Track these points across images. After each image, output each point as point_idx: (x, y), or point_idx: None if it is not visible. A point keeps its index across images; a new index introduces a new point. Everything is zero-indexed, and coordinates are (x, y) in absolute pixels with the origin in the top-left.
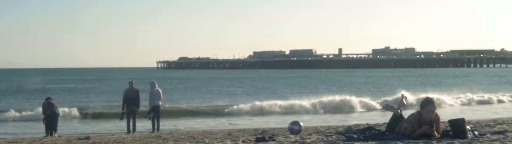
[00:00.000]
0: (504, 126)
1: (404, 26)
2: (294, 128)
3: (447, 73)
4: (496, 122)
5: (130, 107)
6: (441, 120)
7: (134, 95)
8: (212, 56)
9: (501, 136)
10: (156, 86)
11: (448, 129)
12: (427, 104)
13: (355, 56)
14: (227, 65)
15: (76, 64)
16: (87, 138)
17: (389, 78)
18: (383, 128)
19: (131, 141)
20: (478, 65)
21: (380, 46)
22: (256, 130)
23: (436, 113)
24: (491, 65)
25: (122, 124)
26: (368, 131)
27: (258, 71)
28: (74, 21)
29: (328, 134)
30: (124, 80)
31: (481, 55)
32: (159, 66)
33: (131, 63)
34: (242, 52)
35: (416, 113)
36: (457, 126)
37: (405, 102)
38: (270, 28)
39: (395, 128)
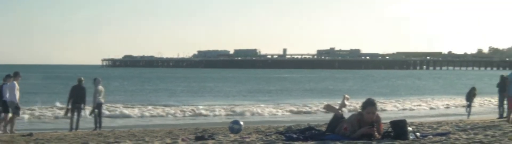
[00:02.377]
0: (447, 128)
1: (349, 27)
2: (234, 127)
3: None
4: (439, 124)
5: (75, 104)
6: (382, 121)
7: (81, 92)
8: (156, 54)
9: (444, 138)
10: (100, 83)
11: (389, 130)
12: (369, 105)
13: (299, 56)
14: (171, 64)
15: (17, 61)
16: (30, 134)
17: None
18: (323, 129)
19: (73, 138)
20: (424, 67)
21: (325, 47)
22: (197, 129)
23: (377, 114)
24: (437, 68)
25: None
26: (308, 131)
27: (201, 70)
28: (14, 17)
29: (267, 134)
30: (66, 77)
31: (428, 58)
32: (104, 64)
33: (75, 61)
34: (187, 51)
35: (357, 113)
36: (399, 127)
37: (346, 103)
38: (216, 28)
39: (335, 129)
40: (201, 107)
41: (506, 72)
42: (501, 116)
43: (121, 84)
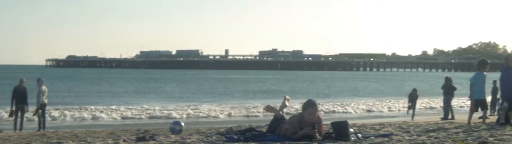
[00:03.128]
0: (390, 129)
1: (292, 28)
2: (175, 128)
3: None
4: (382, 125)
5: (18, 104)
6: (323, 122)
7: (23, 93)
8: (100, 55)
9: (386, 139)
10: (44, 84)
11: (330, 131)
12: (309, 106)
13: (242, 57)
14: (114, 64)
15: None
16: None
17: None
18: (264, 130)
19: (17, 139)
20: (367, 69)
21: (267, 48)
22: (138, 130)
23: (318, 115)
24: (381, 69)
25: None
26: (249, 132)
27: (143, 71)
28: None
29: (208, 135)
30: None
31: (371, 59)
32: (48, 64)
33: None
34: (130, 51)
35: (297, 115)
36: (340, 129)
37: (287, 104)
38: (158, 28)
39: (276, 130)
40: (145, 107)
41: (451, 74)
42: (445, 118)
43: (65, 84)
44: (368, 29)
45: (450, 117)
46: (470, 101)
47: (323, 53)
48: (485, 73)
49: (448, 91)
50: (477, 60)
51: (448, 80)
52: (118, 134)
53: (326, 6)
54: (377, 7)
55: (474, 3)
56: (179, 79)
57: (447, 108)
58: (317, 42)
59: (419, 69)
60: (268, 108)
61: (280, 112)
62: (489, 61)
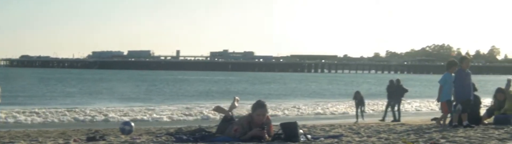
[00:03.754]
0: (340, 130)
1: (243, 29)
2: (125, 128)
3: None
4: (332, 126)
5: None
6: (273, 123)
7: None
8: (52, 54)
9: (335, 140)
10: None
11: (280, 132)
12: (258, 107)
13: (193, 58)
14: (66, 65)
15: None
16: None
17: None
18: (214, 130)
19: None
20: (319, 71)
21: (219, 49)
22: (89, 130)
23: (268, 116)
24: (333, 71)
25: None
26: (198, 133)
27: (95, 71)
28: None
29: (158, 135)
30: None
31: (323, 61)
32: (2, 63)
33: None
34: (82, 51)
35: (247, 115)
36: (289, 130)
37: (236, 105)
38: (110, 28)
39: (225, 130)
40: (97, 108)
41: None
42: (394, 119)
43: (18, 85)
44: (319, 31)
45: (394, 119)
46: (440, 103)
47: (274, 54)
48: (453, 74)
49: (398, 93)
50: (446, 61)
51: (392, 83)
52: (69, 134)
53: (277, 7)
54: (327, 8)
55: (427, 5)
56: (130, 79)
57: (399, 110)
58: (269, 44)
59: (372, 71)
60: (218, 109)
61: (230, 112)
62: (458, 63)
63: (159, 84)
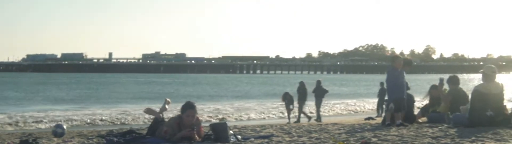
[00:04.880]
0: (271, 130)
1: (174, 31)
2: (58, 131)
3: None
4: (263, 127)
5: None
6: (203, 124)
7: None
8: None
9: (266, 140)
10: None
11: (210, 133)
12: (188, 108)
13: (125, 60)
14: (1, 68)
15: None
16: None
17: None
18: (145, 132)
19: None
20: (251, 72)
21: (151, 51)
22: (23, 133)
23: (197, 117)
24: (265, 72)
25: None
26: (129, 135)
27: (29, 74)
28: None
29: (89, 137)
30: None
31: (255, 62)
32: None
33: None
34: (17, 54)
35: (176, 116)
36: (219, 130)
37: (167, 107)
38: (43, 31)
39: (156, 132)
40: (31, 111)
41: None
42: (297, 121)
43: None
44: (251, 32)
45: (314, 119)
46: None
47: (206, 56)
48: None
49: (319, 94)
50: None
51: (319, 84)
52: (3, 137)
53: (208, 9)
54: (259, 9)
55: (359, 5)
56: (62, 83)
57: (318, 110)
58: (200, 45)
59: (304, 71)
60: (148, 111)
61: (160, 114)
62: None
63: (93, 86)
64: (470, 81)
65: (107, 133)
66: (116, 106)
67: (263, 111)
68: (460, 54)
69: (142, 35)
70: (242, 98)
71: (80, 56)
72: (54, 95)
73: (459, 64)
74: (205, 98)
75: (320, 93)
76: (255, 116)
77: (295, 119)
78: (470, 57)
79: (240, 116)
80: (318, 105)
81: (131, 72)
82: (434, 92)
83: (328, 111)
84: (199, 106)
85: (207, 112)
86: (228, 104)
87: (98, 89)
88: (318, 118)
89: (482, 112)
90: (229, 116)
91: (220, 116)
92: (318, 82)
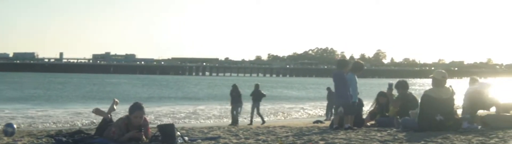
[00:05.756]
0: (218, 132)
1: (124, 32)
2: (8, 130)
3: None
4: (211, 128)
5: None
6: (150, 125)
7: None
8: None
9: (213, 142)
10: None
11: (157, 134)
12: (136, 109)
13: (76, 60)
14: None
15: None
16: None
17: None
18: (93, 132)
19: None
20: (200, 73)
21: (101, 51)
22: None
23: (145, 118)
24: (214, 74)
25: None
26: (77, 135)
27: None
28: None
29: (39, 137)
30: None
31: (204, 64)
32: None
33: None
34: None
35: (124, 117)
36: (166, 131)
37: (115, 108)
38: None
39: (104, 132)
40: None
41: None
42: (234, 123)
43: None
44: (201, 34)
45: (253, 122)
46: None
47: (155, 57)
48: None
49: (257, 97)
50: (351, 63)
51: (257, 87)
52: None
53: (159, 10)
54: (208, 11)
55: (310, 9)
56: (13, 82)
57: (259, 113)
58: (150, 46)
59: (253, 74)
60: (97, 111)
61: (109, 115)
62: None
63: (44, 86)
64: (421, 86)
65: (56, 133)
66: (66, 106)
67: (211, 113)
68: (411, 59)
69: (93, 35)
70: (190, 100)
71: (31, 55)
72: (5, 94)
73: (410, 69)
74: (153, 99)
75: (257, 97)
76: (203, 118)
77: (248, 121)
78: (422, 62)
79: (188, 118)
80: (253, 108)
81: (82, 72)
82: (381, 99)
83: (277, 114)
84: (147, 108)
85: (155, 114)
86: (177, 105)
87: (49, 89)
88: (262, 120)
89: (431, 117)
90: (176, 118)
91: (168, 118)
92: (256, 86)
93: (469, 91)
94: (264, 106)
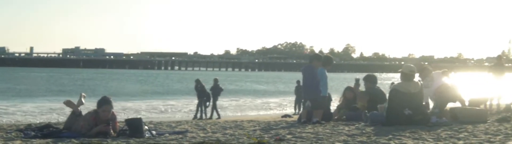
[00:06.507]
0: (186, 126)
1: (94, 26)
2: None
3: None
4: (179, 123)
5: None
6: (118, 120)
7: None
8: None
9: (180, 136)
10: None
11: (125, 128)
12: (104, 104)
13: (46, 55)
14: None
15: None
16: None
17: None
18: (62, 126)
19: None
20: (169, 68)
21: (71, 46)
22: None
23: (113, 112)
24: (183, 68)
25: None
26: (46, 129)
27: None
28: None
29: (8, 131)
30: None
31: (173, 58)
32: None
33: None
34: None
35: (92, 111)
36: (134, 126)
37: (83, 101)
38: None
39: (72, 126)
40: None
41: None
42: (200, 117)
43: None
44: (171, 28)
45: (210, 116)
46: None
47: (125, 51)
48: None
49: (215, 92)
50: (322, 56)
51: (216, 82)
52: None
53: (128, 5)
54: (177, 6)
55: (279, 3)
56: None
57: (216, 108)
58: (119, 41)
59: (222, 68)
60: (68, 103)
61: (78, 108)
62: (334, 61)
63: (13, 81)
64: (390, 80)
65: (25, 127)
66: (35, 101)
67: (180, 107)
68: (380, 54)
69: (63, 29)
70: (158, 94)
71: (2, 50)
72: None
73: (379, 64)
74: (122, 93)
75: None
76: (172, 112)
77: (209, 116)
78: (391, 56)
79: (156, 112)
80: (213, 103)
81: (52, 67)
82: (348, 93)
83: (245, 109)
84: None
85: (123, 108)
86: (146, 99)
87: (19, 83)
88: (206, 115)
89: (400, 111)
90: (145, 112)
91: (137, 113)
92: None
93: (438, 85)
94: (232, 101)
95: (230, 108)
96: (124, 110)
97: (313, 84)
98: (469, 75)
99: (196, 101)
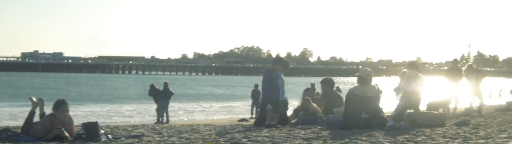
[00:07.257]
0: (142, 130)
1: (53, 30)
2: None
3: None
4: (135, 127)
5: None
6: (74, 124)
7: None
8: None
9: (136, 140)
10: None
11: (82, 132)
12: (62, 104)
13: (4, 59)
14: None
15: None
16: None
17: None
18: (20, 130)
19: None
20: (126, 72)
21: (29, 49)
22: None
23: (70, 116)
24: (140, 72)
25: None
26: (4, 133)
27: None
28: None
29: None
30: None
31: (131, 62)
32: None
33: None
34: None
35: (49, 115)
36: (90, 129)
37: (35, 100)
38: None
39: (30, 130)
40: None
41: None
42: (159, 121)
43: None
44: (128, 32)
45: (165, 120)
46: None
47: (83, 55)
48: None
49: (166, 96)
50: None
51: (166, 86)
52: None
53: (87, 8)
54: (135, 10)
55: (235, 7)
56: None
57: (167, 112)
58: (78, 44)
59: (179, 72)
60: (39, 101)
61: (42, 109)
62: (290, 65)
63: None
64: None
65: None
66: None
67: (136, 111)
68: (338, 58)
69: (21, 33)
70: (116, 98)
71: None
72: None
73: (337, 67)
74: (79, 98)
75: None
76: (128, 116)
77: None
78: (349, 60)
79: (113, 116)
80: (161, 108)
81: (10, 71)
82: (307, 95)
83: (201, 113)
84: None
85: (80, 112)
86: (102, 104)
87: None
88: (167, 119)
89: (357, 115)
90: (101, 116)
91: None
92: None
93: (408, 91)
94: (188, 105)
95: (185, 112)
96: (81, 114)
97: (273, 88)
98: (427, 79)
99: (155, 106)
